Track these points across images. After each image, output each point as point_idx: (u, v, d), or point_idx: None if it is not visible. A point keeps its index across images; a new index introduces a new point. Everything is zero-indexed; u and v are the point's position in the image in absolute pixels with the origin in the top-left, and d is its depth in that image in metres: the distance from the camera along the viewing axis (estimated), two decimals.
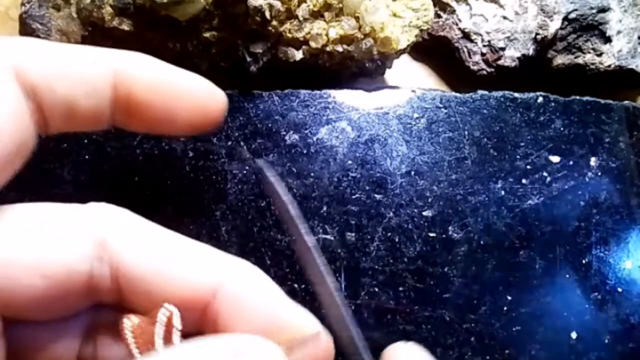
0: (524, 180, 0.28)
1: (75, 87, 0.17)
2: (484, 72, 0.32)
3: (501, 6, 0.32)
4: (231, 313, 0.17)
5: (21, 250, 0.15)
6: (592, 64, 0.32)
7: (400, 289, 0.26)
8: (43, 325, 0.16)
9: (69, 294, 0.16)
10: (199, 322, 0.17)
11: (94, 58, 0.18)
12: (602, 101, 0.29)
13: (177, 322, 0.16)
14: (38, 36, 0.28)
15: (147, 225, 0.18)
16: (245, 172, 0.27)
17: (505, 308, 0.26)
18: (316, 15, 0.27)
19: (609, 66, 0.32)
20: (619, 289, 0.27)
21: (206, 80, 0.20)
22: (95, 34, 0.28)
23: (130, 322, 0.16)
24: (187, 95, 0.19)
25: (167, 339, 0.15)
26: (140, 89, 0.18)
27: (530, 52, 0.32)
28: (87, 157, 0.26)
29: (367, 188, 0.27)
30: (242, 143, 0.27)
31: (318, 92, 0.28)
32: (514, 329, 0.26)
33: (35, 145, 0.17)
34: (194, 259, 0.17)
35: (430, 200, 0.27)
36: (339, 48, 0.27)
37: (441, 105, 0.28)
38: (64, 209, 0.17)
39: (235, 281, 0.17)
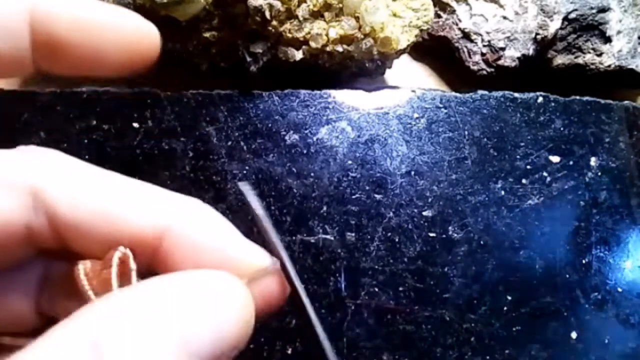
0: (524, 180, 0.28)
1: None
2: (484, 72, 0.32)
3: (501, 6, 0.32)
4: (182, 253, 0.16)
5: None
6: (592, 64, 0.32)
7: (400, 289, 0.26)
8: None
9: (8, 246, 0.15)
10: (149, 264, 0.16)
11: None
12: (602, 101, 0.29)
13: (132, 264, 0.15)
14: None
15: (82, 167, 0.17)
16: (245, 172, 0.27)
17: (505, 308, 0.26)
18: (316, 15, 0.27)
19: (609, 66, 0.32)
20: (619, 289, 0.27)
21: (137, 15, 0.18)
22: None
23: (83, 267, 0.15)
24: (115, 31, 0.17)
25: (124, 282, 0.15)
26: (61, 27, 0.17)
27: (530, 52, 0.32)
28: (87, 157, 0.26)
29: (367, 188, 0.27)
30: (242, 143, 0.27)
31: (318, 92, 0.28)
32: (514, 329, 0.26)
33: None
34: (137, 199, 0.16)
35: (430, 200, 0.27)
36: (339, 48, 0.27)
37: (441, 105, 0.28)
38: None
39: (185, 220, 0.16)
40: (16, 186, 0.15)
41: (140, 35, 0.18)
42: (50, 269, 0.17)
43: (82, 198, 0.16)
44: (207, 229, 0.17)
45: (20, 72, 0.17)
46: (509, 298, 0.26)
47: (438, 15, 0.33)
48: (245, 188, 0.19)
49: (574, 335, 0.26)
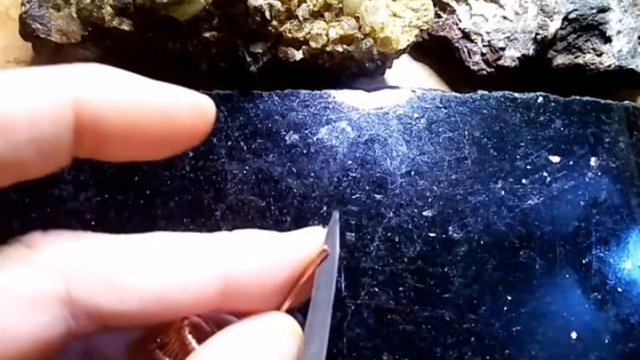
0: (524, 180, 0.28)
1: (38, 119, 0.13)
2: (484, 72, 0.32)
3: (501, 6, 0.32)
4: (241, 300, 0.16)
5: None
6: (592, 64, 0.32)
7: (400, 289, 0.26)
8: None
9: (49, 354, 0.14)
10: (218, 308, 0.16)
11: (50, 86, 0.14)
12: (602, 101, 0.29)
13: (205, 326, 0.15)
14: (38, 36, 0.28)
15: (94, 240, 0.15)
16: (245, 172, 0.27)
17: (505, 308, 0.26)
18: (316, 15, 0.27)
19: (609, 66, 0.32)
20: (619, 289, 0.27)
21: (192, 92, 0.16)
22: (95, 34, 0.28)
23: (160, 349, 0.15)
24: (171, 114, 0.16)
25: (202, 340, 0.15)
26: (111, 117, 0.14)
27: (530, 52, 0.32)
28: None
29: (367, 188, 0.27)
30: (242, 143, 0.27)
31: (318, 92, 0.28)
32: (514, 329, 0.26)
33: None
34: (181, 257, 0.15)
35: (430, 200, 0.27)
36: (339, 48, 0.27)
37: (441, 105, 0.28)
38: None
39: (242, 263, 0.16)
40: (46, 299, 0.13)
41: (198, 114, 0.16)
42: (97, 342, 0.16)
43: (122, 287, 0.14)
44: (262, 264, 0.16)
45: (62, 163, 0.14)
46: (509, 298, 0.26)
47: (438, 15, 0.33)
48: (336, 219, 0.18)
49: (574, 335, 0.26)
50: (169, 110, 0.15)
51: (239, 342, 0.14)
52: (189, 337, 0.15)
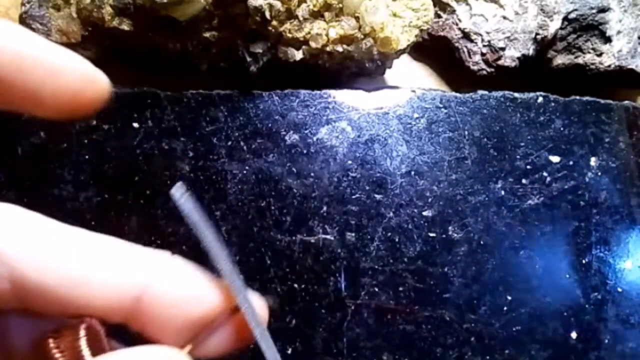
0: (524, 180, 0.28)
1: None
2: (484, 72, 0.32)
3: (501, 6, 0.32)
4: (154, 318, 0.16)
5: None
6: (592, 64, 0.32)
7: (400, 289, 0.26)
8: None
9: None
10: (128, 320, 0.16)
11: None
12: (602, 101, 0.29)
13: (102, 333, 0.15)
14: None
15: (46, 225, 0.16)
16: (245, 172, 0.27)
17: (505, 308, 0.26)
18: (316, 15, 0.27)
19: (609, 66, 0.32)
20: (619, 289, 0.27)
21: (86, 62, 0.17)
22: (95, 34, 0.28)
23: (54, 342, 0.15)
24: (57, 74, 0.16)
25: (95, 347, 0.15)
26: (2, 61, 0.15)
27: (530, 52, 0.32)
28: (87, 157, 0.26)
29: (367, 188, 0.27)
30: (242, 143, 0.27)
31: (318, 92, 0.28)
32: (514, 329, 0.26)
33: None
34: (108, 262, 0.16)
35: (430, 200, 0.27)
36: (339, 48, 0.27)
37: (441, 105, 0.28)
38: None
39: (160, 285, 0.16)
40: None
41: (86, 82, 0.17)
42: (7, 325, 0.16)
43: (50, 261, 0.15)
44: (181, 284, 0.16)
45: None
46: (509, 298, 0.26)
47: (438, 15, 0.33)
48: (178, 194, 0.18)
49: (574, 335, 0.26)
50: (53, 68, 0.16)
51: None
52: (83, 340, 0.15)
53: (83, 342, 0.15)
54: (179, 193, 0.19)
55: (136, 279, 0.16)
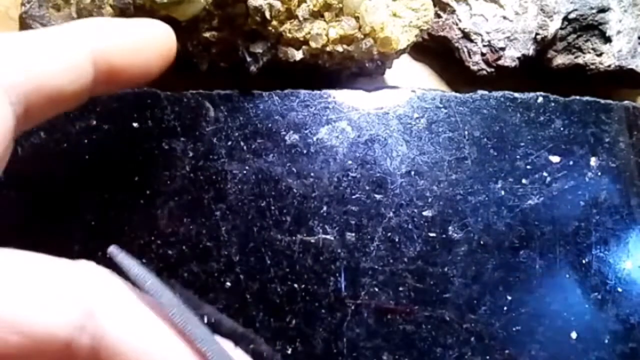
0: (524, 180, 0.28)
1: (61, 80, 0.17)
2: (484, 72, 0.32)
3: (501, 6, 0.32)
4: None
5: (4, 305, 0.15)
6: (592, 64, 0.32)
7: (400, 289, 0.26)
8: None
9: (44, 355, 0.15)
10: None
11: (71, 43, 0.18)
12: (602, 101, 0.29)
13: None
14: None
15: (134, 297, 0.17)
16: (245, 172, 0.27)
17: (505, 308, 0.26)
18: (316, 15, 0.27)
19: (609, 66, 0.32)
20: (619, 289, 0.27)
21: (157, 21, 0.21)
22: None
23: None
24: (155, 44, 0.20)
25: None
26: (117, 57, 0.19)
27: (530, 52, 0.32)
28: (87, 157, 0.26)
29: (367, 188, 0.27)
30: (242, 143, 0.27)
31: (318, 92, 0.28)
32: (514, 329, 0.26)
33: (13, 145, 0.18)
34: (179, 345, 0.16)
35: (430, 200, 0.27)
36: (339, 48, 0.27)
37: (441, 105, 0.28)
38: (54, 263, 0.16)
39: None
40: (71, 300, 0.15)
41: (166, 37, 0.21)
42: None
43: (132, 334, 0.16)
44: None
45: (77, 105, 0.19)
46: (509, 298, 0.26)
47: (438, 15, 0.33)
48: (115, 253, 0.19)
49: (574, 335, 0.26)
50: (153, 39, 0.20)
51: None
52: None
53: None
54: (117, 251, 0.19)
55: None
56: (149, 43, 0.20)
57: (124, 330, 0.16)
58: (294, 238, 0.26)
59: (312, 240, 0.26)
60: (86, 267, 0.17)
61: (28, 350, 0.15)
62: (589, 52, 0.32)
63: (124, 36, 0.19)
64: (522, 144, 0.28)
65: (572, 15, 0.32)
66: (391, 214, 0.27)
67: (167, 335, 0.17)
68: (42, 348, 0.15)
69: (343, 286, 0.26)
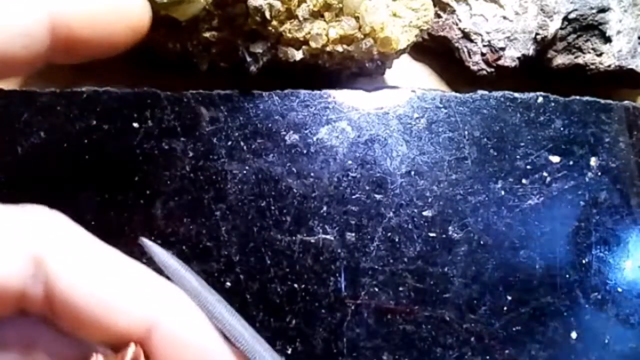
0: (524, 180, 0.28)
1: (13, 43, 0.16)
2: (484, 72, 0.32)
3: (501, 6, 0.32)
4: (165, 352, 0.16)
5: None
6: (592, 64, 0.32)
7: (400, 289, 0.26)
8: None
9: None
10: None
11: (26, 5, 0.17)
12: (602, 101, 0.29)
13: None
14: None
15: (85, 240, 0.17)
16: (245, 172, 0.27)
17: (505, 308, 0.26)
18: (316, 15, 0.27)
19: (609, 66, 0.32)
20: (619, 289, 0.27)
21: None
22: None
23: None
24: (122, 16, 0.19)
25: None
26: (78, 24, 0.18)
27: (530, 52, 0.32)
28: (87, 157, 0.26)
29: (367, 188, 0.27)
30: (242, 143, 0.27)
31: (318, 92, 0.28)
32: (514, 329, 0.26)
33: None
34: (132, 289, 0.16)
35: (430, 200, 0.27)
36: (339, 48, 0.27)
37: (441, 105, 0.28)
38: (0, 211, 0.16)
39: (172, 318, 0.16)
40: (20, 248, 0.15)
41: (143, 14, 0.20)
42: (32, 334, 0.17)
43: (83, 278, 0.16)
44: (191, 329, 0.17)
45: (31, 70, 0.18)
46: (509, 298, 0.26)
47: (438, 15, 0.33)
48: (149, 244, 0.19)
49: (574, 335, 0.26)
50: (123, 12, 0.19)
51: None
52: None
53: None
54: (148, 241, 0.19)
55: (152, 312, 0.16)
56: (116, 12, 0.19)
57: (74, 275, 0.16)
58: (294, 238, 0.26)
59: (312, 240, 0.26)
60: (33, 212, 0.16)
61: None
62: (589, 52, 0.32)
63: (86, 1, 0.18)
64: (522, 144, 0.28)
65: (572, 15, 0.32)
66: (391, 214, 0.27)
67: (119, 277, 0.16)
68: None
69: (343, 286, 0.26)
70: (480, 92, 0.29)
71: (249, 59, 0.28)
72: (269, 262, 0.26)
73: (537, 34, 0.31)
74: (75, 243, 0.16)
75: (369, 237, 0.26)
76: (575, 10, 0.32)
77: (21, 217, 0.16)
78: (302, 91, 0.28)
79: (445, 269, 0.26)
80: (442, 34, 0.33)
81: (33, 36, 0.17)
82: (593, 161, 0.28)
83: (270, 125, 0.27)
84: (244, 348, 0.17)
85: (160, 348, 0.16)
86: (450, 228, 0.27)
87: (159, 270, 0.18)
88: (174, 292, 0.17)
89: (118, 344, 0.16)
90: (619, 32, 0.32)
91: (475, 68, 0.32)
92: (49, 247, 0.16)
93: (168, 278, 0.18)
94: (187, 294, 0.17)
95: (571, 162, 0.28)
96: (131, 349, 0.16)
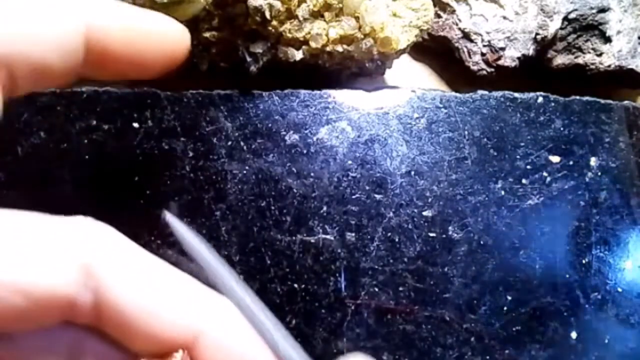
0: (524, 180, 0.28)
1: (49, 52, 0.16)
2: (484, 72, 0.32)
3: (501, 6, 0.32)
4: (210, 359, 0.16)
5: (4, 268, 0.15)
6: (592, 64, 0.32)
7: (400, 289, 0.26)
8: (23, 340, 0.16)
9: (49, 314, 0.15)
10: None
11: (64, 15, 0.17)
12: (602, 101, 0.29)
13: None
14: None
15: (133, 251, 0.17)
16: (245, 172, 0.27)
17: (505, 308, 0.26)
18: (316, 15, 0.27)
19: (609, 66, 0.32)
20: (619, 289, 0.27)
21: (171, 19, 0.20)
22: None
23: None
24: (157, 37, 0.19)
25: None
26: (114, 41, 0.18)
27: (530, 52, 0.32)
28: (87, 157, 0.26)
29: (367, 188, 0.27)
30: (242, 143, 0.27)
31: (318, 92, 0.28)
32: (514, 329, 0.26)
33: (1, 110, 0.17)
34: (178, 298, 0.17)
35: (430, 200, 0.27)
36: (339, 48, 0.27)
37: (441, 105, 0.28)
38: (49, 222, 0.16)
39: (217, 327, 0.17)
40: (70, 258, 0.15)
41: (180, 40, 0.20)
42: (79, 344, 0.17)
43: (131, 285, 0.16)
44: (237, 339, 0.17)
45: (66, 83, 0.18)
46: (509, 298, 0.26)
47: (438, 15, 0.33)
48: (172, 220, 0.19)
49: (574, 335, 0.26)
50: (158, 34, 0.19)
51: None
52: None
53: None
54: (172, 218, 0.19)
55: (197, 321, 0.17)
56: (152, 35, 0.19)
57: (123, 284, 0.16)
58: (294, 238, 0.26)
59: (312, 240, 0.26)
60: (82, 223, 0.17)
61: (32, 310, 0.15)
62: (589, 52, 0.32)
63: (124, 19, 0.18)
64: (522, 144, 0.28)
65: (572, 15, 0.32)
66: (391, 214, 0.27)
67: (166, 287, 0.17)
68: (45, 307, 0.15)
69: (343, 286, 0.26)
70: (480, 92, 0.29)
71: (249, 59, 0.28)
72: (269, 262, 0.26)
73: (537, 34, 0.31)
74: (124, 253, 0.17)
75: (369, 237, 0.26)
76: (575, 10, 0.32)
77: (70, 226, 0.16)
78: (302, 91, 0.28)
79: (445, 269, 0.26)
80: (442, 34, 0.33)
81: (69, 47, 0.17)
82: (593, 161, 0.28)
83: (270, 125, 0.27)
84: (265, 335, 0.17)
85: (205, 356, 0.16)
86: (450, 228, 0.27)
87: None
88: (219, 301, 0.17)
89: (164, 352, 0.16)
90: (619, 32, 0.32)
91: (475, 68, 0.32)
92: (98, 256, 0.16)
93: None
94: (209, 276, 0.18)
95: (571, 162, 0.28)
96: (179, 355, 0.16)
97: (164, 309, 0.16)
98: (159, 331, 0.16)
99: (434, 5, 0.31)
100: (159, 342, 0.16)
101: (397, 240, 0.27)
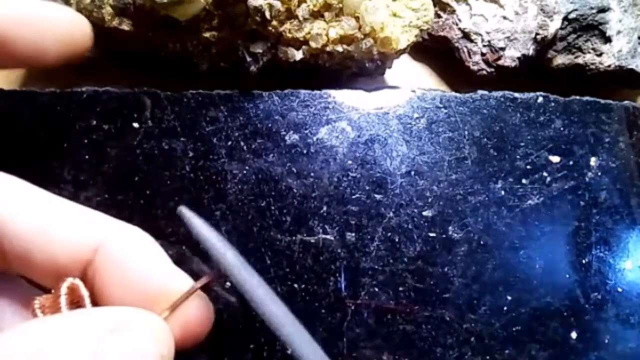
0: (524, 180, 0.28)
1: None
2: (484, 72, 0.32)
3: (501, 6, 0.32)
4: (110, 273, 0.17)
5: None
6: (592, 64, 0.32)
7: (400, 289, 0.26)
8: None
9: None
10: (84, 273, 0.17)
11: None
12: (602, 101, 0.29)
13: (83, 290, 0.16)
14: None
15: (31, 190, 0.18)
16: (245, 172, 0.27)
17: (505, 308, 0.26)
18: (316, 15, 0.27)
19: (609, 66, 0.32)
20: (619, 289, 0.27)
21: (71, 9, 0.20)
22: (95, 34, 0.28)
23: (39, 301, 0.16)
24: (54, 26, 0.19)
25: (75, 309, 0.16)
26: (7, 26, 0.18)
27: (530, 52, 0.32)
28: (87, 157, 0.26)
29: (367, 188, 0.27)
30: (242, 143, 0.27)
31: (318, 92, 0.28)
32: (514, 329, 0.26)
33: None
34: (73, 219, 0.17)
35: (430, 200, 0.27)
36: (339, 48, 0.27)
37: (441, 105, 0.28)
38: None
39: (116, 242, 0.17)
40: None
41: (75, 28, 0.20)
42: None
43: (26, 214, 0.16)
44: (137, 252, 0.17)
45: None
46: (509, 298, 0.26)
47: (438, 15, 0.33)
48: (186, 213, 0.19)
49: (574, 335, 0.26)
50: (52, 20, 0.19)
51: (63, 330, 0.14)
52: (63, 298, 0.16)
53: (63, 300, 0.16)
54: (187, 211, 0.19)
55: (93, 237, 0.17)
56: (46, 22, 0.19)
57: (17, 216, 0.16)
58: (294, 238, 0.26)
59: (312, 240, 0.26)
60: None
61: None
62: (589, 52, 0.32)
63: (19, 6, 0.18)
64: (522, 144, 0.28)
65: (572, 15, 0.32)
66: (391, 214, 0.27)
67: (62, 213, 0.17)
68: None
69: (343, 286, 0.26)
70: (480, 92, 0.29)
71: (249, 59, 0.28)
72: (269, 262, 0.26)
73: (537, 34, 0.31)
74: (20, 193, 0.17)
75: (369, 237, 0.26)
76: (575, 10, 0.32)
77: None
78: (302, 91, 0.28)
79: (445, 269, 0.26)
80: (442, 34, 0.33)
81: None
82: (593, 161, 0.28)
83: (270, 125, 0.27)
84: (279, 331, 0.17)
85: (103, 269, 0.17)
86: (450, 228, 0.27)
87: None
88: (120, 222, 0.18)
89: (67, 273, 0.17)
90: (619, 32, 0.32)
91: (475, 68, 0.32)
92: None
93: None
94: (226, 270, 0.18)
95: (571, 162, 0.28)
96: (65, 283, 0.16)
97: (60, 229, 0.17)
98: (58, 248, 0.16)
99: (434, 5, 0.31)
100: (61, 261, 0.16)
101: (397, 240, 0.27)
